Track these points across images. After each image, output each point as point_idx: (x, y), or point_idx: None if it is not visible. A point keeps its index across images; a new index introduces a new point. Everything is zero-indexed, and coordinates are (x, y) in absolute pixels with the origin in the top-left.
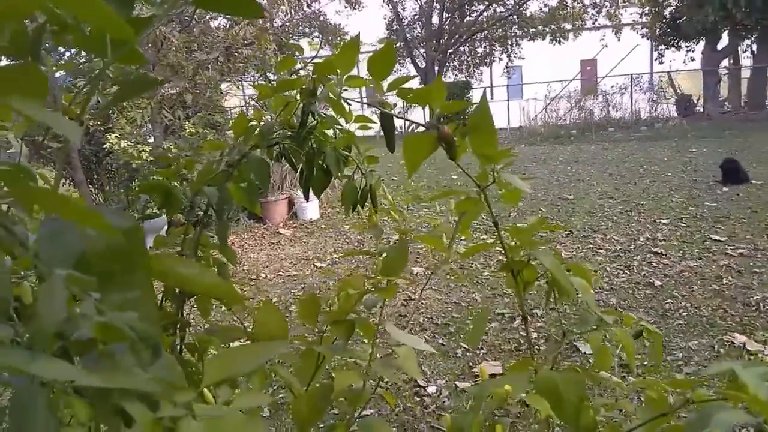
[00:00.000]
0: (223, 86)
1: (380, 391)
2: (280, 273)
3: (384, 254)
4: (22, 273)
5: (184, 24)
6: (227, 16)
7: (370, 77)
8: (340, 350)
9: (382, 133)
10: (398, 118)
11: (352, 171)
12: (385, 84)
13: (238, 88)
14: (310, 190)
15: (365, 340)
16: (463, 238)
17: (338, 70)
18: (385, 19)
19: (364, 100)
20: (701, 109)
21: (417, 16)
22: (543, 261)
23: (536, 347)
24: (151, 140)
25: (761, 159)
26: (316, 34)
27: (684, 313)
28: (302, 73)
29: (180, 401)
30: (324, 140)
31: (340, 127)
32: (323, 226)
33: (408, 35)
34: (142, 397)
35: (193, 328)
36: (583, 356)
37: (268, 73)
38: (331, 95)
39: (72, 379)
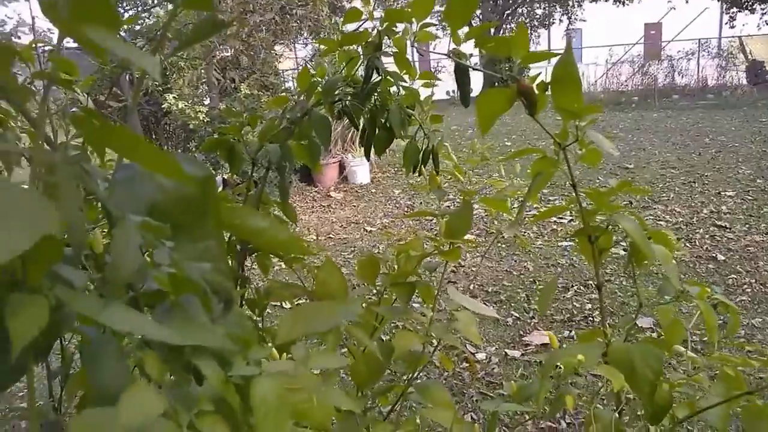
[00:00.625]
0: (277, 48)
1: (436, 356)
2: (331, 236)
3: (446, 216)
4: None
5: None
6: None
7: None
8: (400, 312)
9: (435, 96)
10: (474, 69)
11: (414, 131)
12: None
13: (290, 50)
14: (372, 149)
15: (421, 303)
16: (530, 203)
17: (413, 19)
18: None
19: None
20: None
21: None
22: (624, 226)
23: (591, 319)
24: (207, 101)
25: None
26: None
27: (748, 290)
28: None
29: (253, 358)
30: (388, 97)
31: (404, 84)
32: (373, 190)
33: None
34: (214, 353)
35: (251, 285)
36: (640, 330)
37: (321, 35)
38: (396, 49)
39: (144, 333)
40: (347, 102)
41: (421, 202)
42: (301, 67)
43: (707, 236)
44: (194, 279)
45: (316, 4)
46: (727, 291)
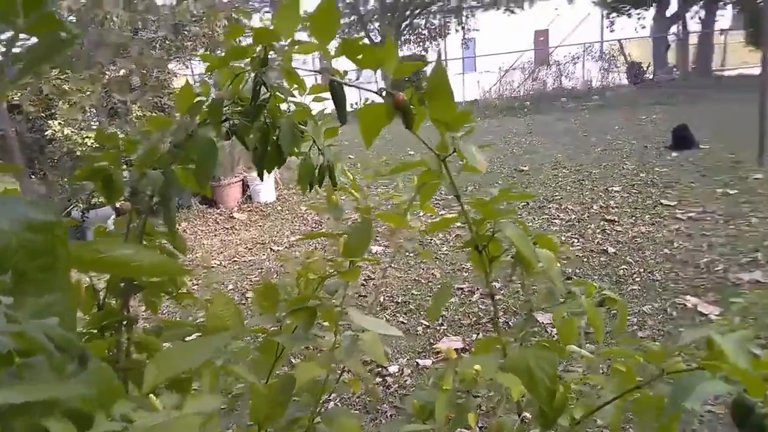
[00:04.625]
0: (172, 66)
1: (344, 377)
2: (236, 259)
3: (345, 235)
4: None
5: (127, 1)
6: None
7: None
8: (301, 340)
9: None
10: (349, 86)
11: (309, 147)
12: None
13: (186, 67)
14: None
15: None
16: (425, 213)
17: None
18: None
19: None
20: (651, 77)
21: None
22: (507, 233)
23: (496, 319)
24: (96, 126)
25: (708, 124)
26: (266, 9)
27: (638, 279)
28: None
29: (117, 413)
30: (278, 114)
31: (294, 99)
32: (279, 208)
33: (362, 8)
34: (73, 412)
35: (147, 322)
36: (542, 326)
37: (218, 51)
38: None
39: None
40: (235, 121)
41: (329, 218)
42: (197, 83)
43: (598, 231)
44: (37, 338)
45: (211, 19)
46: (618, 281)
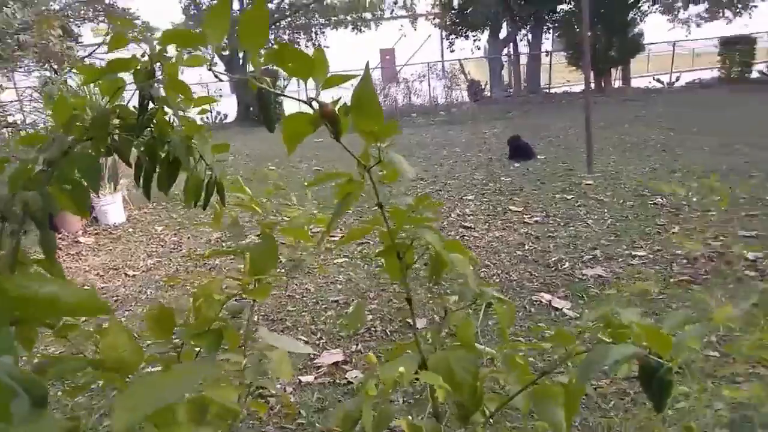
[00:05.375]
0: None
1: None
2: (86, 287)
3: (249, 253)
4: None
5: None
6: None
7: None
8: (209, 364)
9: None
10: (279, 95)
11: (195, 162)
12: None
13: (8, 79)
14: (153, 186)
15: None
16: (319, 227)
17: (208, 41)
18: (180, 3)
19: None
20: (489, 94)
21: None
22: (427, 238)
23: (374, 329)
24: None
25: (542, 137)
26: (101, 19)
27: (497, 279)
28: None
29: None
30: (168, 128)
31: (180, 112)
32: (131, 229)
33: None
34: None
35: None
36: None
37: (51, 61)
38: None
39: None
40: (115, 135)
41: (189, 237)
42: (25, 97)
43: (458, 237)
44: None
45: (43, 28)
46: (482, 283)
